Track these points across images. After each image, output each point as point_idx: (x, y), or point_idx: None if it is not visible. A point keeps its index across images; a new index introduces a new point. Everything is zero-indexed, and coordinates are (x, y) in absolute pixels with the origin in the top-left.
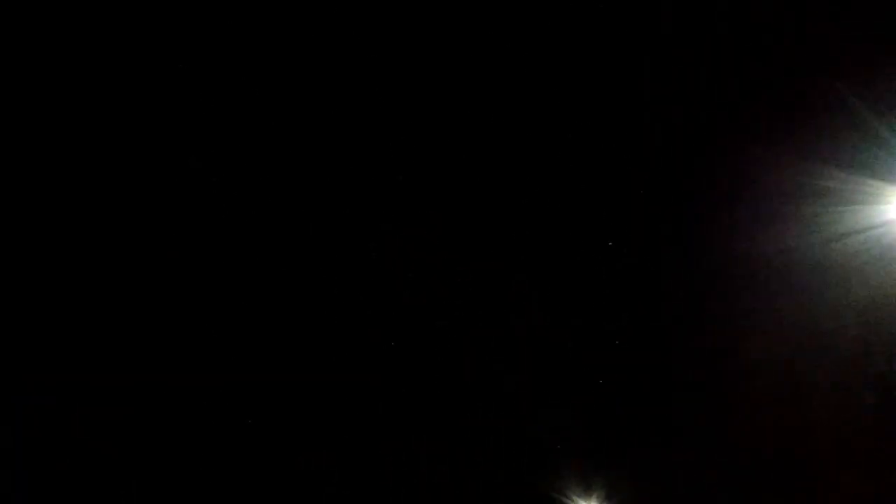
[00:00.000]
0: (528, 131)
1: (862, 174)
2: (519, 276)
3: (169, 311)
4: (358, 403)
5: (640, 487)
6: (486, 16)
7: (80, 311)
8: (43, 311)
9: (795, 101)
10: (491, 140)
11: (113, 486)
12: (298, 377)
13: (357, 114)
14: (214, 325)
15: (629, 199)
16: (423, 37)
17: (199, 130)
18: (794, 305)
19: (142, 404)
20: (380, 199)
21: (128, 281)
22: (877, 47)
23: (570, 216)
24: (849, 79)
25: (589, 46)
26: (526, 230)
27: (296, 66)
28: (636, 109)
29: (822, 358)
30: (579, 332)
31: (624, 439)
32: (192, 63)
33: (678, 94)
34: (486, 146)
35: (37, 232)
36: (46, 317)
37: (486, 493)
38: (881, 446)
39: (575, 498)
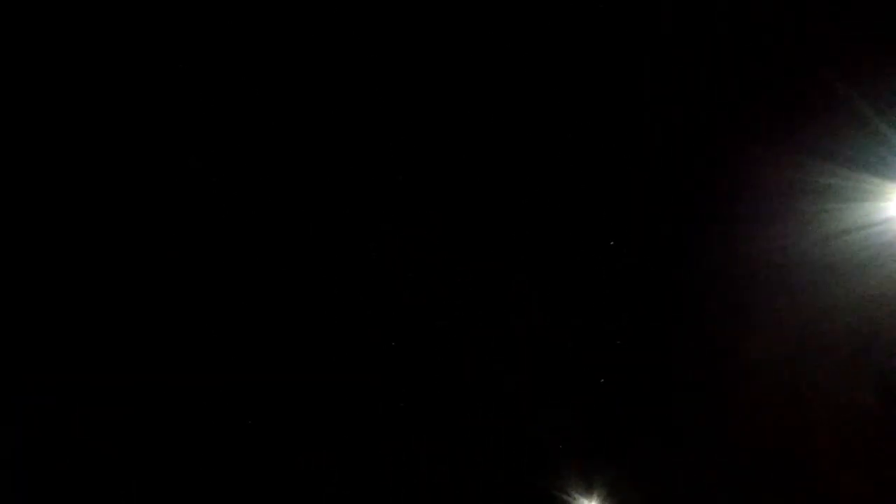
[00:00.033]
0: (529, 131)
1: (862, 171)
2: (519, 276)
3: (169, 311)
4: (358, 403)
5: (640, 486)
6: (486, 16)
7: (79, 312)
8: (43, 312)
9: (795, 100)
10: (491, 140)
11: (113, 486)
12: (298, 377)
13: (357, 114)
14: (214, 325)
15: (629, 198)
16: (423, 37)
17: (199, 130)
18: (794, 304)
19: (142, 404)
20: (380, 200)
21: (128, 281)
22: (877, 47)
23: (571, 216)
24: (848, 77)
25: (589, 46)
26: (526, 230)
27: (296, 67)
28: (636, 109)
29: (822, 356)
30: (579, 332)
31: (624, 439)
32: (192, 63)
33: (678, 94)
34: (486, 146)
35: (37, 232)
36: (46, 317)
37: (486, 493)
38: (881, 445)
39: (576, 496)
